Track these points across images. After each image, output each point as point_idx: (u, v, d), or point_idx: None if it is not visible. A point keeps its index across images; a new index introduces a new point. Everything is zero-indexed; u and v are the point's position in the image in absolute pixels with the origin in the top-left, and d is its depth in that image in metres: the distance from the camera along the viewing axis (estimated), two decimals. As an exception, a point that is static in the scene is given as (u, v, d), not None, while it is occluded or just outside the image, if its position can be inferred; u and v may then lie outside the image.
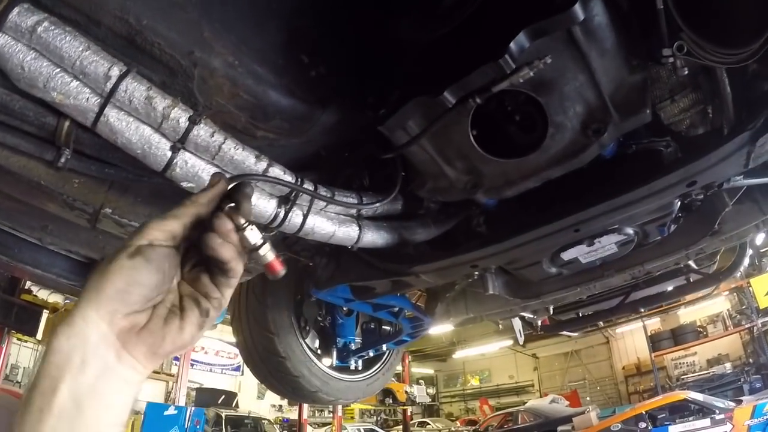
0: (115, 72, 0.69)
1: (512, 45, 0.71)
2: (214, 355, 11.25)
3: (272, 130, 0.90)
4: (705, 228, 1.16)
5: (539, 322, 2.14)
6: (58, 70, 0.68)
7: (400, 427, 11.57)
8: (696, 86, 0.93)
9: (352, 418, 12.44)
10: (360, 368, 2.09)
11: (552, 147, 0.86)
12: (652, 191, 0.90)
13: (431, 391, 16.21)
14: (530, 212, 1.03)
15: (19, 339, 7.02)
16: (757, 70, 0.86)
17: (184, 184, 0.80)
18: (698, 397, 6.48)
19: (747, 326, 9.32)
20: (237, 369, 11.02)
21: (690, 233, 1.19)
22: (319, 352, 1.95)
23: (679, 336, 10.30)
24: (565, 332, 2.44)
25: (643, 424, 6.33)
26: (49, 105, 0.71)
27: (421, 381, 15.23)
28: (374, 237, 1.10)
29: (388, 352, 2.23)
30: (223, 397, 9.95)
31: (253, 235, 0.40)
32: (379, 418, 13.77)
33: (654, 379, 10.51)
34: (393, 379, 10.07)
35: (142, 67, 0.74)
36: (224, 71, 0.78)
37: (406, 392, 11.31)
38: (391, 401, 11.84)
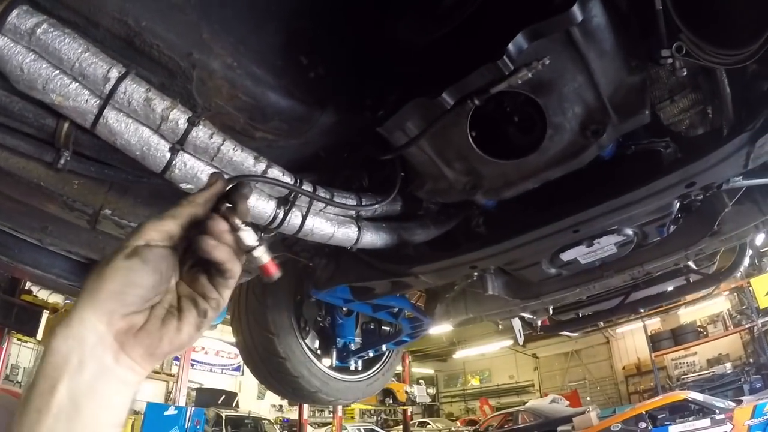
0: (114, 74, 0.69)
1: (511, 46, 0.71)
2: (214, 355, 11.25)
3: (271, 131, 0.90)
4: (704, 229, 1.16)
5: (539, 323, 2.14)
6: (57, 71, 0.68)
7: (401, 427, 11.57)
8: (695, 87, 0.93)
9: (353, 418, 12.44)
10: (360, 368, 2.09)
11: (551, 148, 0.86)
12: (651, 192, 0.90)
13: (431, 391, 16.21)
14: (529, 213, 1.03)
15: (19, 339, 7.03)
16: (757, 71, 0.86)
17: (184, 186, 0.80)
18: (698, 397, 6.48)
19: (747, 326, 9.31)
20: (237, 369, 11.02)
21: (689, 234, 1.19)
22: (318, 352, 1.95)
23: (679, 336, 10.29)
24: (565, 332, 2.44)
25: (643, 424, 6.33)
26: (48, 107, 0.72)
27: (421, 381, 15.23)
28: (373, 238, 1.10)
29: (387, 352, 2.23)
30: (224, 397, 9.96)
31: (248, 237, 0.40)
32: (379, 418, 13.77)
33: (654, 379, 10.51)
34: (393, 379, 10.08)
35: (141, 69, 0.74)
36: (223, 73, 0.78)
37: (407, 392, 11.31)
38: (391, 401, 11.84)
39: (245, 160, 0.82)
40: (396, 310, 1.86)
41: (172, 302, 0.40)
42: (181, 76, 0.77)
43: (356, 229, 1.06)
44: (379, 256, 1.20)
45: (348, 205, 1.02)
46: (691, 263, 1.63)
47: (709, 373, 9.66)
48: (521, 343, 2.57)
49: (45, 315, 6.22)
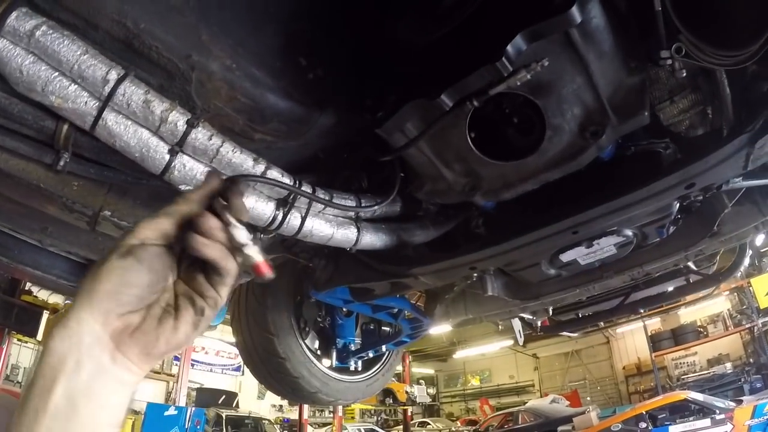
0: (113, 76, 0.69)
1: (509, 48, 0.71)
2: (214, 355, 11.26)
3: (270, 132, 0.90)
4: (704, 229, 1.16)
5: (539, 323, 2.14)
6: (57, 73, 0.68)
7: (401, 427, 11.57)
8: (695, 87, 0.93)
9: (353, 418, 12.44)
10: (360, 369, 2.09)
11: (550, 149, 0.86)
12: (650, 193, 0.90)
13: (432, 391, 16.21)
14: (529, 214, 1.03)
15: (19, 340, 7.03)
16: (757, 71, 0.86)
17: (183, 187, 0.80)
18: (698, 397, 6.47)
19: (747, 326, 9.30)
20: (237, 369, 11.02)
21: (689, 235, 1.19)
22: (318, 353, 1.95)
23: (679, 336, 10.28)
24: (565, 333, 2.44)
25: (643, 424, 6.33)
26: (47, 108, 0.72)
27: (421, 381, 15.23)
28: (373, 239, 1.10)
29: (387, 352, 2.23)
30: (224, 397, 9.96)
31: (240, 234, 0.39)
32: (379, 418, 13.77)
33: (654, 379, 10.50)
34: (393, 379, 10.08)
35: (140, 71, 0.74)
36: (222, 74, 0.78)
37: (407, 392, 11.31)
38: (391, 401, 11.84)
39: (244, 161, 0.82)
40: (396, 310, 1.86)
41: (169, 301, 0.40)
42: (180, 77, 0.77)
43: (355, 230, 1.06)
44: (379, 257, 1.20)
45: (347, 207, 1.02)
46: (690, 264, 1.63)
47: (709, 373, 9.65)
48: (521, 343, 2.57)
49: (45, 315, 6.22)
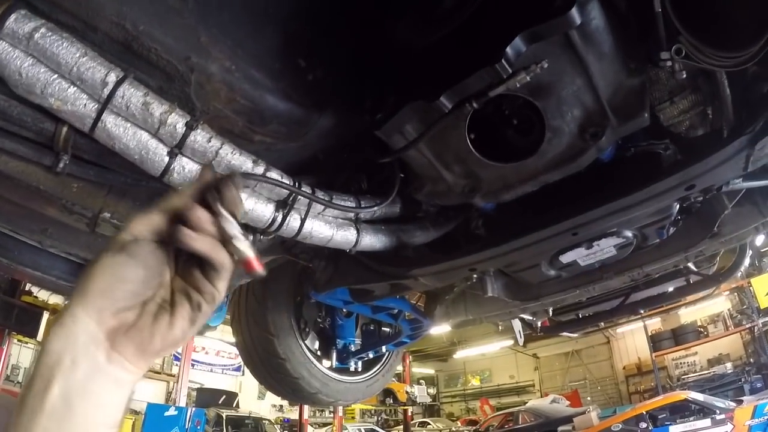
0: (112, 78, 0.69)
1: (509, 49, 0.71)
2: (214, 355, 11.27)
3: (269, 134, 0.90)
4: (704, 231, 1.16)
5: (539, 324, 2.14)
6: (56, 76, 0.68)
7: (401, 427, 11.57)
8: (695, 88, 0.93)
9: (353, 418, 12.44)
10: (360, 369, 2.09)
11: (549, 151, 0.86)
12: (650, 195, 0.90)
13: (432, 391, 16.21)
14: (529, 216, 1.03)
15: (19, 340, 7.04)
16: (757, 72, 0.86)
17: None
18: (699, 397, 6.47)
19: (748, 326, 9.29)
20: (238, 369, 11.03)
21: (689, 236, 1.19)
22: (318, 353, 1.95)
23: (679, 336, 10.27)
24: (565, 333, 2.44)
25: (643, 425, 6.33)
26: (47, 111, 0.72)
27: (421, 381, 15.23)
28: (372, 240, 1.10)
29: (387, 353, 2.23)
30: (224, 397, 9.96)
31: (230, 226, 0.38)
32: (379, 418, 13.77)
33: (655, 379, 10.49)
34: (394, 379, 10.07)
35: (139, 73, 0.74)
36: (221, 76, 0.78)
37: (407, 392, 11.31)
38: (391, 401, 11.84)
39: (243, 163, 0.83)
40: (396, 311, 1.86)
41: (165, 297, 0.39)
42: (179, 79, 0.77)
43: (355, 231, 1.06)
44: (379, 259, 1.20)
45: (347, 208, 1.02)
46: (691, 265, 1.63)
47: (709, 373, 9.64)
48: (521, 344, 2.57)
49: (45, 316, 6.23)
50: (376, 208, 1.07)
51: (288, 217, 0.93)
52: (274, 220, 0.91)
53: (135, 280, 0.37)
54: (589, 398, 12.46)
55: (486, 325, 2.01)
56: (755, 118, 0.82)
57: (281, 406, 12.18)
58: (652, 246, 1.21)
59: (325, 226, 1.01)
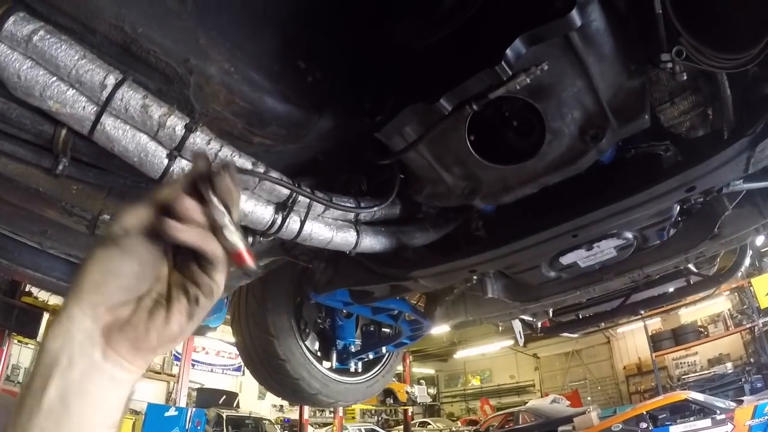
0: (111, 80, 0.69)
1: (508, 51, 0.71)
2: (215, 355, 11.27)
3: (269, 136, 0.90)
4: (705, 232, 1.16)
5: (539, 324, 2.14)
6: (55, 78, 0.68)
7: (401, 427, 11.58)
8: (696, 89, 0.92)
9: (353, 418, 12.44)
10: (360, 370, 2.09)
11: (550, 153, 0.86)
12: (650, 197, 0.90)
13: (432, 391, 16.21)
14: (529, 217, 1.03)
15: (20, 341, 7.04)
16: (758, 73, 0.85)
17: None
18: (699, 397, 6.47)
19: (748, 326, 9.28)
20: (238, 369, 11.03)
21: (689, 237, 1.19)
22: (318, 354, 1.95)
23: (680, 336, 10.27)
24: (565, 333, 2.44)
25: (644, 425, 6.32)
26: (46, 113, 0.72)
27: (422, 381, 15.23)
28: (372, 242, 1.10)
29: (388, 354, 2.23)
30: (224, 397, 9.97)
31: (220, 215, 0.36)
32: (380, 418, 13.78)
33: (655, 379, 10.48)
34: (394, 379, 10.08)
35: (138, 75, 0.74)
36: (220, 78, 0.78)
37: (407, 392, 11.32)
38: (392, 401, 11.84)
39: (243, 165, 0.82)
40: (396, 312, 1.85)
41: (161, 291, 0.38)
42: (179, 82, 0.77)
43: (355, 233, 1.05)
44: (378, 260, 1.19)
45: (347, 207, 1.01)
46: (691, 266, 1.63)
47: (709, 373, 9.64)
48: (521, 344, 2.57)
49: (45, 317, 6.23)
50: (376, 208, 1.06)
51: (288, 219, 0.93)
52: (273, 222, 0.91)
53: (128, 275, 0.35)
54: (589, 398, 12.46)
55: (486, 325, 2.00)
56: (756, 120, 0.82)
57: (281, 406, 12.19)
58: (653, 247, 1.21)
59: (325, 228, 1.01)
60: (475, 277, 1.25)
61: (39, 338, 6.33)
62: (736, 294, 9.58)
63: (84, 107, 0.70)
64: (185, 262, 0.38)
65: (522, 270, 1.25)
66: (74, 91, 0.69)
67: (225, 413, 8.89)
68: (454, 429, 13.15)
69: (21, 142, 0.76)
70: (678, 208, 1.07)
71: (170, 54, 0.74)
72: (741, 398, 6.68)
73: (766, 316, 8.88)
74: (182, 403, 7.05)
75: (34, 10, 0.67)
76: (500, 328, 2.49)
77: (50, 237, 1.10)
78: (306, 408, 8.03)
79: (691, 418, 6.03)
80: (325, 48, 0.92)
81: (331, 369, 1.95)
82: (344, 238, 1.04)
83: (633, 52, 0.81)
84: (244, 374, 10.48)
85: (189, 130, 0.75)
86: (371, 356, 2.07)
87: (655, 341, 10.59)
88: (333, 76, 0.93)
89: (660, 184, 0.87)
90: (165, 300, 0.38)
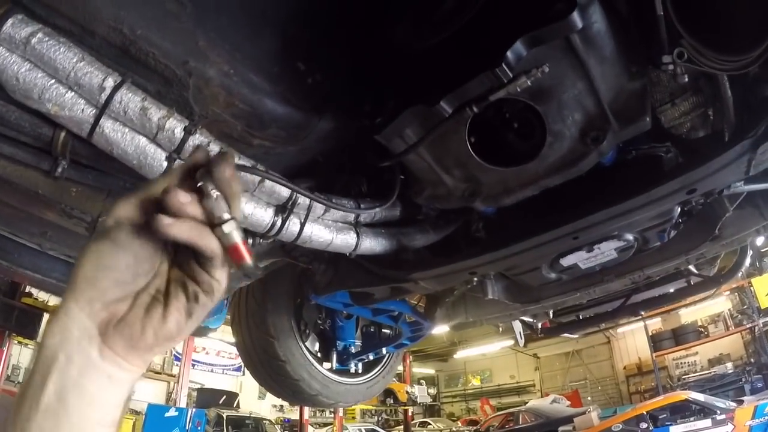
0: (110, 83, 0.69)
1: (509, 54, 0.70)
2: (215, 355, 11.27)
3: (268, 138, 0.90)
4: (705, 233, 1.16)
5: (539, 325, 2.14)
6: (53, 81, 0.67)
7: (402, 427, 11.58)
8: (697, 90, 0.92)
9: (354, 418, 12.45)
10: (360, 371, 2.09)
11: (550, 155, 0.86)
12: (651, 199, 0.90)
13: (432, 391, 16.21)
14: (529, 219, 1.03)
15: (20, 342, 7.05)
16: (759, 75, 0.85)
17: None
18: (699, 397, 6.47)
19: (748, 326, 9.28)
20: (238, 369, 11.03)
21: (690, 239, 1.19)
22: (319, 355, 1.95)
23: (680, 336, 10.27)
24: (565, 334, 2.44)
25: (644, 425, 6.32)
26: (45, 116, 0.71)
27: (422, 381, 15.24)
28: (372, 244, 1.10)
29: (388, 355, 2.23)
30: (225, 397, 9.98)
31: (217, 206, 0.34)
32: (380, 418, 13.78)
33: (655, 379, 10.48)
34: (394, 379, 10.07)
35: (137, 77, 0.74)
36: (219, 80, 0.78)
37: (408, 392, 11.33)
38: (392, 401, 11.85)
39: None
40: (396, 313, 1.85)
41: (159, 287, 0.36)
42: (178, 84, 0.77)
43: (355, 235, 1.05)
44: (379, 262, 1.19)
45: (347, 209, 1.01)
46: (691, 267, 1.63)
47: (710, 373, 9.64)
48: (522, 345, 2.57)
49: (45, 317, 6.23)
50: (376, 210, 1.06)
51: (287, 222, 0.92)
52: (273, 225, 0.91)
53: (122, 268, 0.34)
54: (589, 398, 12.46)
55: (486, 325, 2.00)
56: (757, 122, 0.81)
57: (282, 406, 12.19)
58: (653, 249, 1.21)
59: (325, 230, 1.00)
60: (475, 279, 1.25)
61: (39, 339, 6.33)
62: (736, 294, 9.58)
63: (83, 110, 0.70)
64: (185, 258, 0.37)
65: (522, 271, 1.25)
66: (73, 93, 0.69)
67: (225, 413, 8.90)
68: (454, 429, 13.15)
69: (20, 144, 0.76)
70: (679, 209, 1.06)
71: (169, 56, 0.74)
72: (741, 398, 6.69)
73: (766, 316, 8.88)
74: (182, 404, 7.05)
75: (33, 12, 0.67)
76: (500, 329, 2.50)
77: (50, 239, 1.10)
78: (306, 408, 8.04)
79: (692, 419, 6.04)
80: (324, 50, 0.91)
81: (331, 370, 1.94)
82: (344, 239, 1.04)
83: (634, 54, 0.80)
84: (244, 374, 10.48)
85: (188, 132, 0.75)
86: (371, 357, 2.07)
87: (656, 341, 10.59)
88: (333, 77, 0.93)
89: (661, 186, 0.87)
90: (163, 297, 0.36)
